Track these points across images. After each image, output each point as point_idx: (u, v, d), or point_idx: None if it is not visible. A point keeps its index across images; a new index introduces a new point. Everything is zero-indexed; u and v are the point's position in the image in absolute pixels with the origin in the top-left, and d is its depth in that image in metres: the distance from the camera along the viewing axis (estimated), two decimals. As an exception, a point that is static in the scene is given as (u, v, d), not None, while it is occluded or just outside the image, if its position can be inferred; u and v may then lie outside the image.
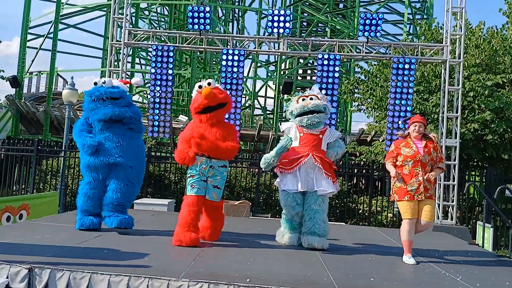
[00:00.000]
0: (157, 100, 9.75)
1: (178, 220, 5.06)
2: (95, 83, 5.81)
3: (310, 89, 5.70)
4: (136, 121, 5.73)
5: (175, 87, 21.49)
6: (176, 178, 11.67)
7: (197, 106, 5.16)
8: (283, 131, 5.64)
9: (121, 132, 5.64)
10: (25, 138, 15.84)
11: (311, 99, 5.42)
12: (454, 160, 9.63)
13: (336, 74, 9.74)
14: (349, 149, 13.01)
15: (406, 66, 9.49)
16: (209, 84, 5.19)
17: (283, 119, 5.77)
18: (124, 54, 10.18)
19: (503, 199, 11.04)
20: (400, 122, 9.07)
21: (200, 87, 5.21)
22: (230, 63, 9.86)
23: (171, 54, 9.91)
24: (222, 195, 5.32)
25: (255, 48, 10.47)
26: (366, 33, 9.50)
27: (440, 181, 9.44)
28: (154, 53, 9.87)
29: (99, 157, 5.48)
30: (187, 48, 10.43)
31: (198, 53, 22.70)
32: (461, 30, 9.79)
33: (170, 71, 9.94)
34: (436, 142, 5.22)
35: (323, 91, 9.66)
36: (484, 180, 11.34)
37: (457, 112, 9.70)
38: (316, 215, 5.25)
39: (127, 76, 10.98)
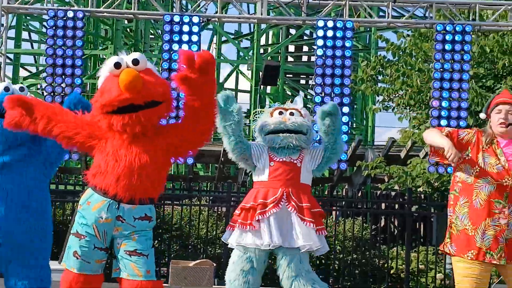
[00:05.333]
0: (58, 99, 9.64)
1: None
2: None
3: (291, 102, 6.24)
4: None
5: (87, 78, 21.30)
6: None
7: (107, 102, 4.24)
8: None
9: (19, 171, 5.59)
10: None
11: (291, 114, 5.88)
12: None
13: (348, 52, 9.81)
14: (372, 171, 13.05)
15: (457, 37, 9.63)
16: (135, 62, 4.31)
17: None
18: (2, 25, 10.08)
19: None
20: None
21: (117, 65, 4.30)
22: (177, 37, 9.85)
23: (79, 24, 9.84)
24: (159, 268, 4.60)
25: (216, 12, 10.47)
26: (393, -13, 9.63)
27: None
28: (52, 24, 9.79)
29: None
30: (106, 14, 10.40)
31: (126, 22, 22.64)
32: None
33: (78, 52, 9.87)
34: None
35: (327, 79, 9.72)
36: None
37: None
38: (298, 279, 5.71)
39: (9, 60, 10.82)
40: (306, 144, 5.92)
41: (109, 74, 4.38)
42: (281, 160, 5.83)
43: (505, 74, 11.28)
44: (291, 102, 6.31)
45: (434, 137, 4.43)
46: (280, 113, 5.93)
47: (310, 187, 6.04)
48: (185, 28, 9.88)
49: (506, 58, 11.11)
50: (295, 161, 5.83)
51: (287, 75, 25.89)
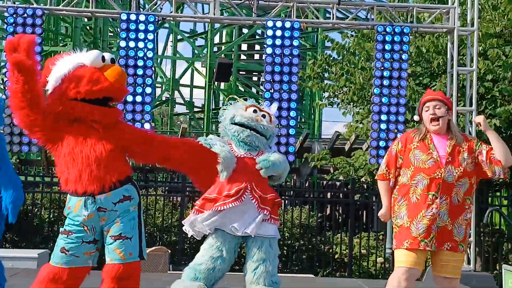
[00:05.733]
0: (20, 93, 9.69)
1: None
2: None
3: (268, 105, 6.76)
4: None
5: (48, 74, 21.14)
6: (51, 216, 11.61)
7: (99, 88, 4.32)
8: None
9: None
10: None
11: (263, 116, 6.22)
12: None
13: (295, 51, 9.99)
14: (318, 162, 13.35)
15: (396, 38, 9.86)
16: (113, 61, 4.51)
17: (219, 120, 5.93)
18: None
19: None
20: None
21: (103, 59, 4.43)
22: (133, 35, 9.93)
23: (38, 21, 9.88)
24: (141, 249, 4.47)
25: (171, 12, 10.63)
26: (338, -10, 9.87)
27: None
28: (12, 21, 9.80)
29: None
30: (65, 12, 10.43)
31: (86, 20, 22.56)
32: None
33: (37, 49, 9.91)
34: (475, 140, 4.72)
35: (276, 76, 9.98)
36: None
37: (471, 105, 10.22)
38: (265, 264, 5.93)
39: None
40: (264, 148, 6.24)
41: (85, 65, 4.37)
42: (242, 156, 6.10)
43: (440, 72, 11.60)
44: (267, 104, 6.81)
45: (382, 194, 4.81)
46: (255, 111, 6.22)
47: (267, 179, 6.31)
48: (141, 26, 9.89)
49: (441, 57, 11.34)
50: (255, 157, 6.11)
51: (240, 72, 26.06)
